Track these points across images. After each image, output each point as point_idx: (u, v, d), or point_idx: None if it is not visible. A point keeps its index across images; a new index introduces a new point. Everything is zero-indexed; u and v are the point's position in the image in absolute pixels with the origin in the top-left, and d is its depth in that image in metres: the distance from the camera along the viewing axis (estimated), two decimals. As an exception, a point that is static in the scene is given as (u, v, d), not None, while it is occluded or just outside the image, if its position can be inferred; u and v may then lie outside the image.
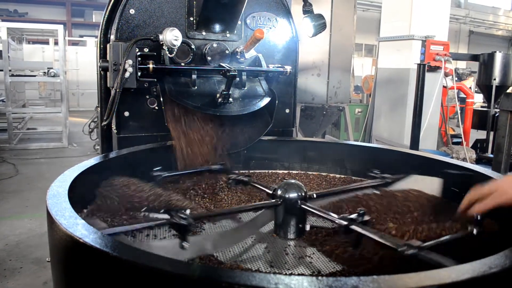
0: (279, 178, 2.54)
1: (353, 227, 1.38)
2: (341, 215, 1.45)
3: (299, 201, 1.66)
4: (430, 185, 1.99)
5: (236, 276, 0.92)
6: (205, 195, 2.19)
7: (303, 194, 1.69)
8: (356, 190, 2.01)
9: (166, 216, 1.39)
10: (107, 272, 1.04)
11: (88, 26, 22.17)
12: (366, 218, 1.42)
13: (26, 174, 7.07)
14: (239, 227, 1.80)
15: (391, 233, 1.48)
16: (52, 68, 9.64)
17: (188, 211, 1.40)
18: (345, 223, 1.40)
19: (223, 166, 2.29)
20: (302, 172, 2.62)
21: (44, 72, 9.55)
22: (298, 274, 1.40)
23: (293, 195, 1.67)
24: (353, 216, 1.42)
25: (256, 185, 2.01)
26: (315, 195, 1.79)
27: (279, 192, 1.69)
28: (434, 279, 0.91)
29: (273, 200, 1.69)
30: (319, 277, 0.89)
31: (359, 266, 1.41)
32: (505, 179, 1.52)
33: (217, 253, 1.54)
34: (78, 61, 16.37)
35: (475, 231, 1.37)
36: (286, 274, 1.40)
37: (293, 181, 1.75)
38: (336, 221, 1.45)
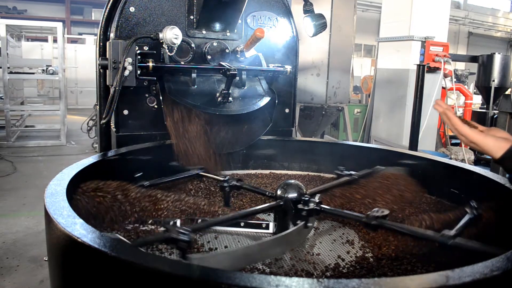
0: (271, 178, 2.52)
1: (383, 223, 1.42)
2: (361, 213, 1.49)
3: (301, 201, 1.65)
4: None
5: (236, 277, 0.91)
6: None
7: (303, 194, 1.67)
8: (333, 188, 2.03)
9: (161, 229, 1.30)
10: (105, 272, 1.03)
11: (87, 23, 22.15)
12: (386, 212, 1.46)
13: (24, 172, 7.05)
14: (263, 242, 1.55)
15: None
16: (50, 65, 9.63)
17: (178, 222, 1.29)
18: (374, 222, 1.43)
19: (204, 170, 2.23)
20: (285, 172, 2.62)
21: (43, 70, 9.54)
22: (297, 275, 1.39)
23: (292, 195, 1.66)
24: (376, 213, 1.45)
25: (252, 189, 2.02)
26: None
27: (278, 192, 1.68)
28: (436, 281, 0.90)
29: (275, 202, 1.67)
30: (320, 279, 0.88)
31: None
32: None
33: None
34: (77, 59, 16.35)
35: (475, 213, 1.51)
36: (286, 275, 1.39)
37: (292, 181, 1.74)
38: (362, 220, 1.48)
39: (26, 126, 10.72)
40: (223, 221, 1.64)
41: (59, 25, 9.53)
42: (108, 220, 1.64)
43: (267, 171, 2.63)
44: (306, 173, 2.62)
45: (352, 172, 2.13)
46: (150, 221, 1.67)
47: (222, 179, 2.03)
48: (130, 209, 1.68)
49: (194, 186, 2.22)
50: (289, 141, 2.76)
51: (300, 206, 1.59)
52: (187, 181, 2.22)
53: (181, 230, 1.23)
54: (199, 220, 1.65)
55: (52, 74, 9.33)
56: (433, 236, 1.34)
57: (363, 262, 1.45)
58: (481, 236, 1.45)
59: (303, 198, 1.61)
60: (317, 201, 1.60)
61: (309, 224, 1.59)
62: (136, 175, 1.97)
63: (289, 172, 2.65)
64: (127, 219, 1.68)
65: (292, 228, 1.56)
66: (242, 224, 1.73)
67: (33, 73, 10.00)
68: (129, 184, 1.78)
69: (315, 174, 2.60)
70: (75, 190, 1.60)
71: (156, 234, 1.52)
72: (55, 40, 12.25)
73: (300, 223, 1.57)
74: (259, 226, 1.74)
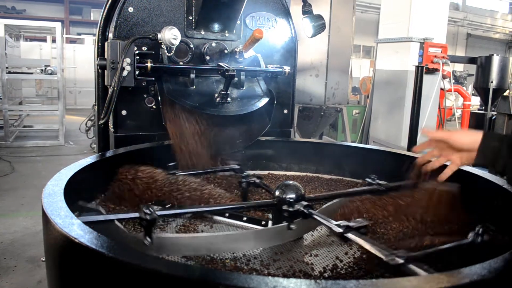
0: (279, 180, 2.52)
1: (348, 235, 1.34)
2: (339, 221, 1.41)
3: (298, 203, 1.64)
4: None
5: (234, 278, 0.91)
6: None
7: (301, 195, 1.67)
8: (352, 195, 1.90)
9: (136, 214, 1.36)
10: (102, 273, 1.03)
11: (86, 23, 22.15)
12: (364, 223, 1.37)
13: (22, 172, 7.05)
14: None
15: (388, 240, 1.48)
16: (49, 65, 9.62)
17: (156, 207, 1.39)
18: (340, 230, 1.35)
19: (238, 166, 2.28)
20: (302, 174, 2.61)
21: (41, 70, 9.53)
22: (295, 276, 1.39)
23: (290, 196, 1.65)
24: (351, 223, 1.37)
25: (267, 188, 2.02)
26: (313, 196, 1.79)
27: (276, 193, 1.68)
28: (433, 282, 0.91)
29: (270, 201, 1.67)
30: (318, 280, 0.88)
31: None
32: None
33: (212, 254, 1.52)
34: (75, 59, 16.33)
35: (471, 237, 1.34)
36: (284, 276, 1.39)
37: (291, 182, 1.74)
38: (333, 228, 1.40)
39: (25, 126, 10.71)
40: (203, 211, 1.75)
41: (57, 25, 9.52)
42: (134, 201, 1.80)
43: (265, 172, 2.63)
44: (304, 173, 2.62)
45: (382, 183, 1.97)
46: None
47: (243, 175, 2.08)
48: (154, 193, 1.83)
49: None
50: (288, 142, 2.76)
51: (284, 207, 1.57)
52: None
53: (146, 211, 1.33)
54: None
55: (50, 74, 9.32)
56: (381, 257, 1.21)
57: (361, 263, 1.45)
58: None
59: (289, 199, 1.60)
60: (305, 204, 1.59)
61: (292, 226, 1.55)
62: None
63: (288, 173, 2.64)
64: (149, 201, 1.79)
65: (268, 227, 1.63)
66: (244, 218, 1.78)
67: (31, 73, 9.99)
68: (159, 171, 1.92)
69: (313, 175, 2.60)
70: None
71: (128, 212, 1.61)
72: (53, 40, 12.25)
73: (283, 224, 1.56)
74: (258, 223, 1.76)
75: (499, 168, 1.51)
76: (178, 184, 1.88)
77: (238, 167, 2.27)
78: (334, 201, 1.82)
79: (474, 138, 1.56)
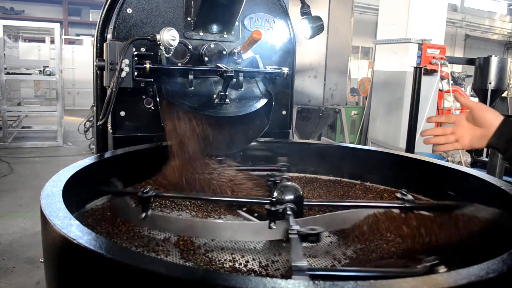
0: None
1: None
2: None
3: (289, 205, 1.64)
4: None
5: (232, 279, 0.91)
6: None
7: (300, 196, 1.67)
8: (359, 208, 1.77)
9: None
10: (101, 274, 1.03)
11: (84, 24, 22.12)
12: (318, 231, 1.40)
13: (20, 173, 7.04)
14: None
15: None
16: (48, 66, 9.61)
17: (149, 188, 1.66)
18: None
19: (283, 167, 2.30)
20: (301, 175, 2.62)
21: (40, 71, 9.53)
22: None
23: (288, 197, 1.66)
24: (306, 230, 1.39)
25: None
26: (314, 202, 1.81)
27: (275, 194, 1.68)
28: (431, 283, 0.91)
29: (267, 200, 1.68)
30: (316, 281, 0.88)
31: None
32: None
33: (209, 253, 1.53)
34: (74, 59, 16.31)
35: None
36: (282, 277, 1.39)
37: (289, 183, 1.75)
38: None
39: (23, 127, 10.69)
40: (197, 198, 1.96)
41: (56, 26, 9.51)
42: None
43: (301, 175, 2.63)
44: (303, 175, 2.62)
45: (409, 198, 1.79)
46: None
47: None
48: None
49: None
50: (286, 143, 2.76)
51: (267, 206, 1.60)
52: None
53: (145, 190, 1.64)
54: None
55: (49, 75, 9.31)
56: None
57: (359, 264, 1.45)
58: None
59: (272, 199, 1.63)
60: (291, 206, 1.59)
61: (272, 225, 1.58)
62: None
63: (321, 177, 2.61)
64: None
65: (245, 221, 1.74)
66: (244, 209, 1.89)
67: (30, 74, 9.98)
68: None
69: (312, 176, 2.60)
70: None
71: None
72: (52, 41, 12.25)
73: (263, 221, 1.60)
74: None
75: (509, 155, 1.50)
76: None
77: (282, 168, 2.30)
78: (338, 212, 1.76)
79: (496, 117, 1.53)
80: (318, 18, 2.91)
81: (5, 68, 9.10)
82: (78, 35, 20.29)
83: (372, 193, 2.24)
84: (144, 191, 1.64)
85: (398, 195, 1.80)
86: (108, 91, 2.16)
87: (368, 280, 0.91)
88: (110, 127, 2.46)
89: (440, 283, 0.91)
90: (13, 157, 8.07)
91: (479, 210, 1.65)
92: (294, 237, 1.35)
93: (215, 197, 1.94)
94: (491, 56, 7.38)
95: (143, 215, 1.62)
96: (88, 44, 16.97)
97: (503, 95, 7.55)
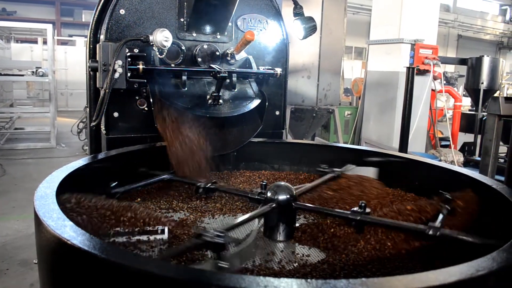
0: (268, 179, 2.52)
1: (367, 220, 1.53)
2: (343, 210, 1.56)
3: (292, 203, 1.68)
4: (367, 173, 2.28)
5: (226, 278, 0.92)
6: (184, 208, 2.06)
7: (293, 195, 1.69)
8: (317, 186, 2.13)
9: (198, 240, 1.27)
10: (95, 274, 1.03)
11: (77, 25, 22.02)
12: (367, 210, 1.56)
13: (13, 175, 7.00)
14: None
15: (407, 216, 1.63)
16: (40, 67, 9.56)
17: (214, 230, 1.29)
18: (358, 217, 1.55)
19: (173, 176, 2.20)
20: (292, 172, 2.63)
21: (33, 72, 9.47)
22: (288, 276, 1.40)
23: (283, 197, 1.67)
24: (356, 208, 1.56)
25: (229, 191, 2.08)
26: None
27: (268, 194, 1.69)
28: (422, 281, 0.92)
29: (267, 205, 1.68)
30: (309, 280, 0.89)
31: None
32: None
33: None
34: (67, 60, 16.24)
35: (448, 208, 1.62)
36: (275, 276, 1.40)
37: (282, 183, 1.75)
38: (349, 216, 1.59)
39: (16, 129, 10.62)
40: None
41: (49, 27, 9.46)
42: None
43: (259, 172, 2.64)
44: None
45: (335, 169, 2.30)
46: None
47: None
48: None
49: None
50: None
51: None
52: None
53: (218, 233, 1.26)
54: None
55: (42, 76, 9.26)
56: (421, 228, 1.43)
57: (353, 261, 1.46)
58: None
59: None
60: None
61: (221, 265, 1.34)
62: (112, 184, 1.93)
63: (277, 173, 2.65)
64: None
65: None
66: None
67: (22, 75, 9.92)
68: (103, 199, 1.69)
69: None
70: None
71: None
72: (45, 42, 12.19)
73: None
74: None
75: None
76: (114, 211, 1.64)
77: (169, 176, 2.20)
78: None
79: None
80: (311, 19, 2.92)
81: (-3, 69, 9.05)
82: (70, 36, 20.19)
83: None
84: (216, 233, 1.27)
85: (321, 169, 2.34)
86: (102, 92, 2.16)
87: (359, 279, 0.92)
88: (103, 128, 2.46)
89: (431, 281, 0.92)
90: (5, 158, 8.03)
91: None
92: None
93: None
94: (483, 56, 7.43)
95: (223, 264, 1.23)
96: (81, 45, 16.90)
97: (495, 94, 7.60)
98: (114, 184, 1.93)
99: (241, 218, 1.60)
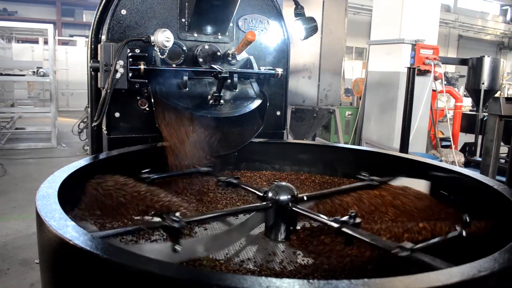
0: (270, 179, 2.53)
1: (345, 229, 1.39)
2: (333, 217, 1.47)
3: (290, 204, 1.67)
4: (418, 187, 2.03)
5: (227, 278, 0.92)
6: (197, 197, 2.17)
7: (294, 196, 1.69)
8: (346, 192, 2.03)
9: (158, 219, 1.38)
10: (97, 274, 1.03)
11: (78, 25, 22.04)
12: (358, 220, 1.44)
13: (14, 174, 7.00)
14: (230, 229, 1.78)
15: (382, 234, 1.50)
16: (41, 67, 9.55)
17: (178, 214, 1.40)
18: (337, 225, 1.42)
19: (211, 168, 2.29)
20: (293, 173, 2.62)
21: (34, 72, 9.47)
22: (289, 276, 1.40)
23: (283, 197, 1.67)
24: (345, 218, 1.44)
25: (246, 187, 2.01)
26: (305, 197, 1.79)
27: (270, 194, 1.69)
28: (424, 282, 0.92)
29: (264, 203, 1.69)
30: (311, 280, 0.89)
31: (351, 268, 1.42)
32: None
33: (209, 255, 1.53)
34: (68, 60, 16.24)
35: (464, 233, 1.38)
36: (277, 276, 1.40)
37: (283, 183, 1.76)
38: (328, 223, 1.46)
39: (17, 128, 10.63)
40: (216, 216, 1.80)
41: (50, 27, 9.46)
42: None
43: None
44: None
45: (373, 177, 2.12)
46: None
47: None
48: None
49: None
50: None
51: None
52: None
53: (174, 218, 1.37)
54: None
55: (42, 76, 9.26)
56: (388, 246, 1.29)
57: (356, 262, 1.46)
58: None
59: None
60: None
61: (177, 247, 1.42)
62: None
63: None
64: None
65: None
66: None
67: (23, 75, 9.92)
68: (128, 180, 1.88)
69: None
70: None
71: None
72: (46, 42, 12.19)
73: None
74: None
75: None
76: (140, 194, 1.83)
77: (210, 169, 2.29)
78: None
79: None
80: (312, 19, 2.92)
81: (-2, 69, 9.06)
82: (71, 36, 20.20)
83: None
84: (173, 218, 1.38)
85: (361, 176, 2.14)
86: (103, 92, 2.16)
87: (361, 279, 0.92)
88: (104, 128, 2.46)
89: (433, 281, 0.92)
90: (6, 158, 8.03)
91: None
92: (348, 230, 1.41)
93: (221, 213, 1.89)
94: (484, 56, 7.42)
95: (178, 247, 1.35)
96: (81, 45, 16.90)
97: (496, 95, 7.60)
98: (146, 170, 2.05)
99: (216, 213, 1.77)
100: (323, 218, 1.53)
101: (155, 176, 2.07)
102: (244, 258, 1.53)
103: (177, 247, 1.34)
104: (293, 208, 1.66)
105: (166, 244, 1.39)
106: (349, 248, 1.46)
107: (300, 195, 1.75)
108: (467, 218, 1.46)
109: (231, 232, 1.71)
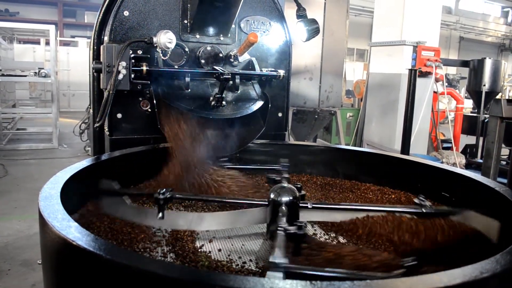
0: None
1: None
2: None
3: (284, 206, 1.61)
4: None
5: (230, 279, 0.92)
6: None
7: (294, 199, 1.65)
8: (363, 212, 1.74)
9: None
10: (100, 275, 1.04)
11: (79, 26, 22.08)
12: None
13: (15, 175, 7.01)
14: (225, 214, 1.78)
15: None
16: (43, 68, 9.57)
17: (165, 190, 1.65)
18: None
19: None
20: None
21: (35, 72, 9.48)
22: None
23: (285, 199, 1.65)
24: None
25: None
26: (310, 205, 1.69)
27: (271, 195, 1.68)
28: (426, 283, 0.92)
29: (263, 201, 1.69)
30: (313, 281, 0.89)
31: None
32: None
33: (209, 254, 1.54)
34: (69, 61, 16.28)
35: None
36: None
37: (286, 184, 1.75)
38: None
39: (18, 129, 10.64)
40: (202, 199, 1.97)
41: (51, 28, 9.48)
42: None
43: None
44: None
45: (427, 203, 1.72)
46: None
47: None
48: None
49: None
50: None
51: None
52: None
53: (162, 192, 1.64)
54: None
55: (44, 76, 9.28)
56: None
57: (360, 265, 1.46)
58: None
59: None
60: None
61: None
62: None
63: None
64: None
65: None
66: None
67: (25, 76, 9.93)
68: None
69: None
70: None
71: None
72: (47, 43, 12.23)
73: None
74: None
75: None
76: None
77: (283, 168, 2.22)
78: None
79: None
80: (313, 21, 2.92)
81: (0, 70, 9.06)
82: (73, 36, 20.22)
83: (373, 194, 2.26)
84: (161, 192, 1.65)
85: (416, 200, 1.74)
86: (105, 94, 2.17)
87: (364, 280, 0.92)
88: (107, 129, 2.46)
89: (435, 282, 0.92)
90: (7, 159, 8.04)
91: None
92: (280, 234, 1.37)
93: (218, 198, 1.97)
94: (485, 58, 7.43)
95: (160, 215, 1.64)
96: (83, 46, 16.92)
97: (497, 97, 7.60)
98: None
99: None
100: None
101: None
102: (246, 259, 1.53)
103: (160, 215, 1.62)
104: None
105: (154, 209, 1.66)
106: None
107: (302, 204, 1.68)
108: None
109: (229, 214, 1.76)
